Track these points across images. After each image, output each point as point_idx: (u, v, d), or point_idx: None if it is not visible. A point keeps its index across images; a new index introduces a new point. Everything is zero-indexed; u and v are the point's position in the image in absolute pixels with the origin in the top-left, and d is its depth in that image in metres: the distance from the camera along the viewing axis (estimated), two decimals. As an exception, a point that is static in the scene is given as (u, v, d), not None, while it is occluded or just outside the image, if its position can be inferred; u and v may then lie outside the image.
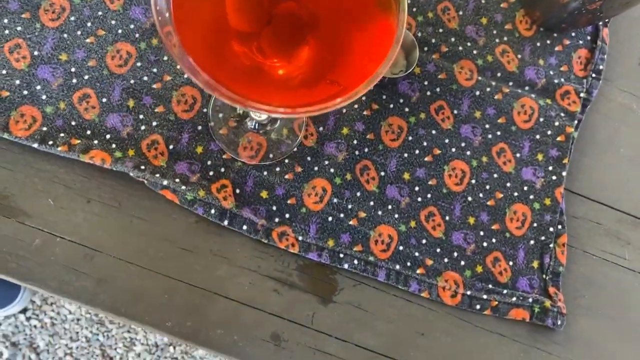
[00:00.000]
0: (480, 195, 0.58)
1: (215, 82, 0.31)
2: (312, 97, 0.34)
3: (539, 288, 0.56)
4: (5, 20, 0.53)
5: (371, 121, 0.57)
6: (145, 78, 0.54)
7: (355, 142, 0.56)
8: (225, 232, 0.52)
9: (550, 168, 0.59)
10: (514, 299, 0.55)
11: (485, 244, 0.56)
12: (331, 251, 0.53)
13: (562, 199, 0.59)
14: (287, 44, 0.37)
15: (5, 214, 0.49)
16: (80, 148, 0.50)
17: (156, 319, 0.49)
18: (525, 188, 0.59)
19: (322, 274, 0.53)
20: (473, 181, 0.58)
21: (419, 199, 0.56)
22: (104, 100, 0.53)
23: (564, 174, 0.59)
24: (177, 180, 0.51)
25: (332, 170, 0.55)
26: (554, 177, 0.59)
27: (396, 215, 0.56)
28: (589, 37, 0.64)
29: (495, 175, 0.58)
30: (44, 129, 0.51)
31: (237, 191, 0.53)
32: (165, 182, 0.51)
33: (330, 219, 0.54)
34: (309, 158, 0.55)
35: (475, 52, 0.61)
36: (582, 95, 0.62)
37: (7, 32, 0.53)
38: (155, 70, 0.54)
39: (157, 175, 0.51)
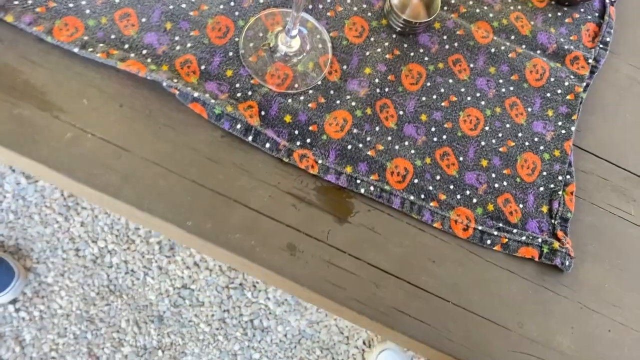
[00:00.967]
0: (493, 141, 0.60)
1: None
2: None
3: (547, 231, 0.58)
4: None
5: (393, 64, 0.60)
6: (184, 5, 0.57)
7: (377, 80, 0.59)
8: (249, 148, 0.54)
9: (560, 123, 0.62)
10: (524, 237, 0.56)
11: (496, 185, 0.58)
12: (349, 176, 0.55)
13: (571, 152, 0.61)
14: None
15: (41, 107, 0.50)
16: (118, 57, 0.53)
17: (178, 217, 0.50)
18: (536, 139, 0.61)
19: (339, 196, 0.55)
20: (487, 128, 0.60)
21: (435, 139, 0.59)
22: (144, 20, 0.56)
23: (572, 128, 0.62)
24: (207, 95, 0.53)
25: (353, 103, 0.58)
26: (563, 131, 0.62)
27: (412, 151, 0.58)
28: (597, 14, 0.69)
29: (507, 125, 0.61)
30: (85, 38, 0.54)
31: (262, 113, 0.55)
32: (196, 94, 0.53)
33: (349, 147, 0.56)
34: (332, 92, 0.58)
35: (491, 15, 0.65)
36: (590, 62, 0.65)
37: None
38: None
39: (189, 88, 0.53)
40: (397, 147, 0.57)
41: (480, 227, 0.56)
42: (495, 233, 0.56)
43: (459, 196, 0.57)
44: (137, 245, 1.39)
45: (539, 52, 0.65)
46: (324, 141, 0.56)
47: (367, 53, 0.60)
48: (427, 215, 0.55)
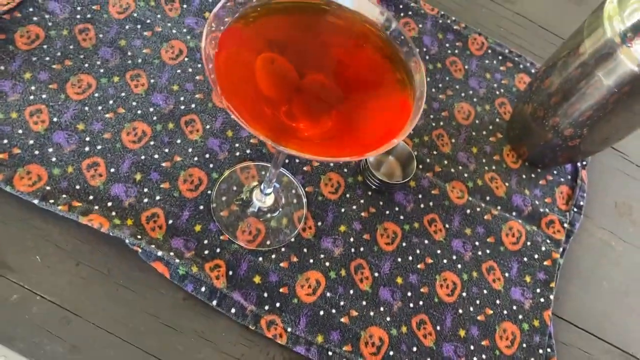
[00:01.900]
0: (471, 309, 0.57)
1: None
2: (336, 153, 0.36)
3: (531, 412, 0.54)
4: (33, 88, 0.55)
5: (368, 223, 0.59)
6: (156, 156, 0.56)
7: (351, 239, 0.57)
8: (212, 314, 0.50)
9: (538, 290, 0.60)
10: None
11: (475, 359, 0.55)
12: (320, 347, 0.51)
13: (551, 322, 0.59)
14: (314, 111, 0.40)
15: (-12, 264, 0.46)
16: (80, 210, 0.50)
17: (126, 396, 0.44)
18: (514, 307, 0.59)
19: (308, 370, 0.50)
20: (464, 294, 0.58)
21: (411, 305, 0.56)
22: (112, 170, 0.54)
23: (551, 297, 0.60)
24: (172, 253, 0.50)
25: (327, 264, 0.55)
26: (542, 300, 0.60)
27: (388, 319, 0.54)
28: (569, 176, 0.70)
29: (485, 291, 0.59)
30: (47, 188, 0.51)
31: (230, 273, 0.52)
32: (159, 253, 0.50)
33: (321, 312, 0.53)
34: (305, 250, 0.55)
35: (466, 175, 0.65)
36: (565, 226, 0.65)
37: (32, 97, 0.55)
38: (167, 150, 0.56)
39: (153, 245, 0.50)
40: (372, 313, 0.54)
41: (459, 408, 0.52)
42: (476, 415, 0.52)
43: (436, 370, 0.53)
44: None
45: (514, 214, 0.64)
46: (295, 305, 0.52)
47: (343, 210, 0.59)
48: (403, 393, 0.51)
